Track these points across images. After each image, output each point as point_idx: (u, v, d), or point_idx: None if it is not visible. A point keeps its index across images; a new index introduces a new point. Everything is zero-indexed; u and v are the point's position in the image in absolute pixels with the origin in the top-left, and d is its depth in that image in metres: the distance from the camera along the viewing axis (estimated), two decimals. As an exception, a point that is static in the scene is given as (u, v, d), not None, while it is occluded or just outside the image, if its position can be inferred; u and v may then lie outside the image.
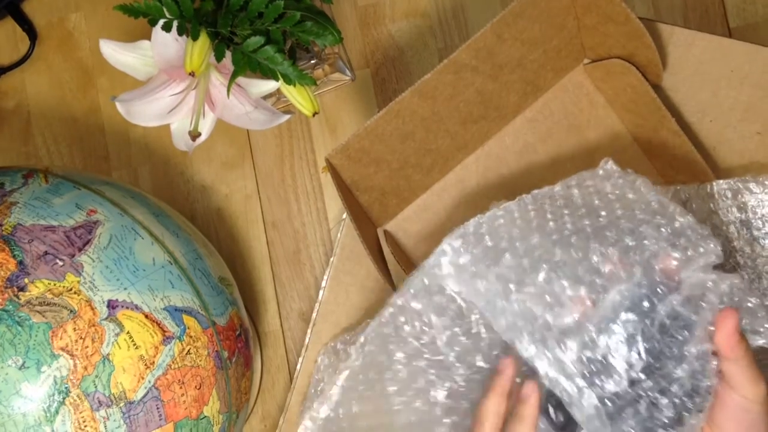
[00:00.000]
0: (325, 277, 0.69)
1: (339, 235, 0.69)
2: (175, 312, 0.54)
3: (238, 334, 0.60)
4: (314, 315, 0.69)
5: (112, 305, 0.52)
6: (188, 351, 0.54)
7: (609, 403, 0.46)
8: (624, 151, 0.68)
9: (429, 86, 0.59)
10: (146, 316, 0.53)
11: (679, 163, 0.64)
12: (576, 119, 0.68)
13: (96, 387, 0.50)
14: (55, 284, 0.51)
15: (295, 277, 0.74)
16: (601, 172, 0.54)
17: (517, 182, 0.68)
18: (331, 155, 0.58)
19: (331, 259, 0.69)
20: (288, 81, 0.56)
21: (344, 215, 0.69)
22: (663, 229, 0.49)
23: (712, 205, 0.62)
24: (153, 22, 0.55)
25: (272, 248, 0.74)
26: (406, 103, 0.59)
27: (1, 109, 0.77)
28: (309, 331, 0.68)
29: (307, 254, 0.74)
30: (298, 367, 0.68)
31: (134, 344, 0.52)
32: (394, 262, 0.64)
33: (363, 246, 0.57)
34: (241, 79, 0.57)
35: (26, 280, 0.51)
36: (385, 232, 0.68)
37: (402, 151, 0.62)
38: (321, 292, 0.68)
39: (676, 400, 0.47)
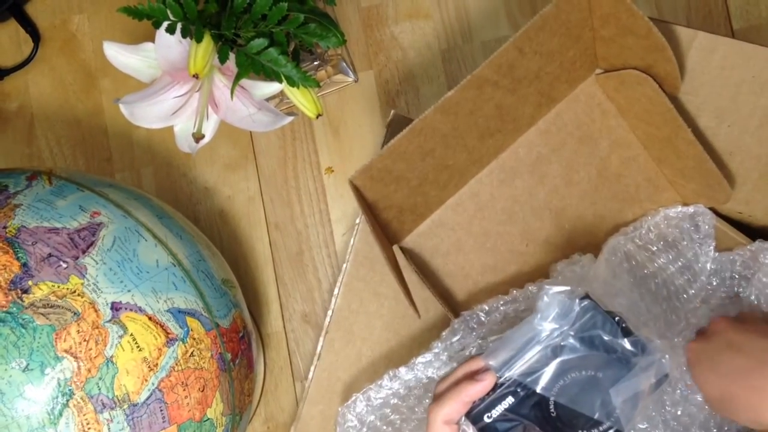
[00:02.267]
0: (338, 284, 0.68)
1: (353, 240, 0.68)
2: (179, 314, 0.54)
3: (242, 335, 0.60)
4: (327, 322, 0.68)
5: (115, 307, 0.52)
6: (191, 353, 0.54)
7: None
8: (635, 159, 0.68)
9: (451, 103, 0.58)
10: (150, 318, 0.53)
11: (691, 173, 0.64)
12: (588, 129, 0.68)
13: (99, 389, 0.50)
14: (58, 286, 0.51)
15: (297, 279, 0.74)
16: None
17: (531, 193, 0.68)
18: (354, 177, 0.58)
19: (344, 265, 0.68)
20: (291, 83, 0.55)
21: (357, 220, 0.69)
22: None
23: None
24: (157, 25, 0.54)
25: (275, 250, 0.74)
26: (429, 120, 0.58)
27: (5, 111, 0.77)
28: (321, 339, 0.68)
29: (310, 256, 0.74)
30: (310, 375, 0.68)
31: (138, 346, 0.52)
32: (411, 280, 0.64)
33: (389, 267, 0.58)
34: (244, 81, 0.56)
35: (30, 283, 0.51)
36: (401, 248, 0.68)
37: (422, 168, 0.62)
38: (333, 300, 0.68)
39: None
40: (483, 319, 0.61)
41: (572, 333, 0.49)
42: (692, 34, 0.65)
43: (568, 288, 0.50)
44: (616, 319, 0.50)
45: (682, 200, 0.68)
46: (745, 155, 0.65)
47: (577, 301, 0.50)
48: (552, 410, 0.49)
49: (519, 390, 0.49)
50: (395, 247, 0.67)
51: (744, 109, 0.65)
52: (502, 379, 0.50)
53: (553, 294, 0.50)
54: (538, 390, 0.49)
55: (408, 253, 0.68)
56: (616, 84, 0.66)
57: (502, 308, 0.61)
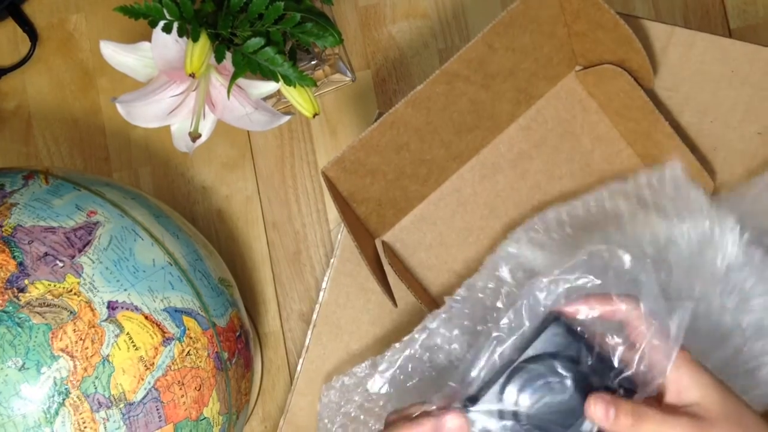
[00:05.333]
0: (326, 279, 0.69)
1: (339, 236, 0.69)
2: (175, 313, 0.54)
3: (238, 335, 0.60)
4: (314, 316, 0.69)
5: (112, 306, 0.52)
6: (188, 352, 0.54)
7: None
8: (618, 155, 0.68)
9: (422, 97, 0.59)
10: (146, 318, 0.53)
11: (674, 166, 0.64)
12: (570, 125, 0.69)
13: (96, 388, 0.50)
14: (55, 285, 0.51)
15: (295, 278, 0.74)
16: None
17: (513, 189, 0.68)
18: (326, 168, 0.59)
19: (332, 260, 0.69)
20: (288, 82, 0.56)
21: (344, 217, 0.69)
22: None
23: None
24: (153, 24, 0.55)
25: (272, 249, 0.74)
26: (399, 114, 0.59)
27: (2, 111, 0.77)
28: (309, 332, 0.68)
29: (307, 255, 0.74)
30: (299, 368, 0.68)
31: (134, 345, 0.52)
32: (393, 273, 0.64)
33: (362, 257, 0.58)
34: (241, 81, 0.57)
35: (26, 282, 0.51)
36: (383, 242, 0.68)
37: (397, 161, 0.62)
38: (321, 294, 0.68)
39: None
40: (455, 307, 0.61)
41: (532, 354, 0.48)
42: (669, 30, 0.65)
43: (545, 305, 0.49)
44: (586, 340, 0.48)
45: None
46: (729, 150, 0.65)
47: (545, 318, 0.49)
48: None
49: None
50: (377, 241, 0.68)
51: (725, 104, 0.65)
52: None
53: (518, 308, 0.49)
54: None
55: (390, 247, 0.68)
56: (594, 80, 0.66)
57: (480, 296, 0.61)
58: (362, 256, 0.58)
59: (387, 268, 0.65)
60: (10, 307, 0.50)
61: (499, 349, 0.48)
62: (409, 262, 0.68)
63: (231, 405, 0.59)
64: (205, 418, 0.55)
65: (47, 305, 0.50)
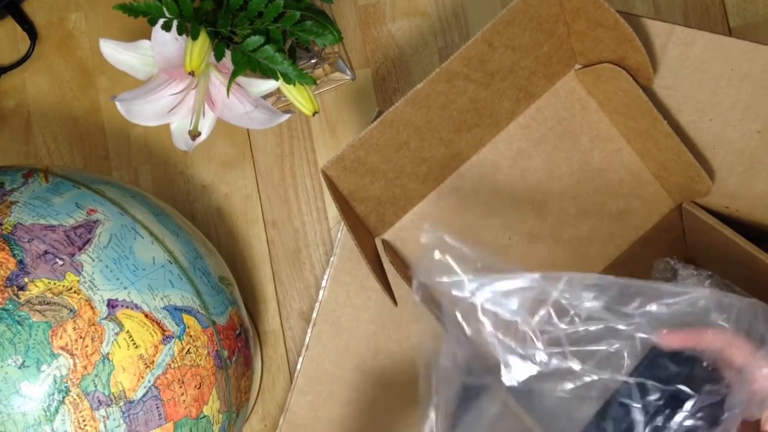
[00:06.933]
0: (326, 277, 0.69)
1: (339, 234, 0.69)
2: (175, 311, 0.54)
3: (238, 333, 0.60)
4: (314, 315, 0.69)
5: (111, 304, 0.52)
6: (188, 350, 0.54)
7: None
8: (617, 154, 0.68)
9: (422, 95, 0.59)
10: (146, 316, 0.53)
11: (673, 165, 0.64)
12: (569, 124, 0.69)
13: (96, 386, 0.50)
14: (54, 283, 0.51)
15: (295, 277, 0.74)
16: None
17: (513, 187, 0.68)
18: (326, 167, 0.59)
19: (332, 258, 0.69)
20: (288, 80, 0.56)
21: (344, 215, 0.69)
22: None
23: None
24: (153, 22, 0.55)
25: (272, 247, 0.74)
26: (399, 112, 0.59)
27: (2, 109, 0.77)
28: (309, 330, 0.69)
29: (307, 253, 0.74)
30: (299, 366, 0.68)
31: (134, 343, 0.52)
32: (393, 272, 0.64)
33: (362, 256, 0.58)
34: (240, 79, 0.57)
35: (26, 280, 0.51)
36: (383, 241, 0.68)
37: (397, 160, 0.62)
38: (321, 292, 0.68)
39: None
40: None
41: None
42: (669, 28, 0.65)
43: None
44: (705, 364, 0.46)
45: (666, 193, 0.68)
46: (728, 149, 0.65)
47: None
48: None
49: None
50: (377, 240, 0.68)
51: (725, 102, 0.65)
52: None
53: None
54: None
55: (390, 245, 0.68)
56: (593, 79, 0.66)
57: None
58: (362, 254, 0.57)
59: (387, 266, 0.65)
60: (10, 305, 0.50)
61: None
62: (409, 261, 0.68)
63: (231, 403, 0.59)
64: (205, 416, 0.55)
65: (47, 303, 0.50)
